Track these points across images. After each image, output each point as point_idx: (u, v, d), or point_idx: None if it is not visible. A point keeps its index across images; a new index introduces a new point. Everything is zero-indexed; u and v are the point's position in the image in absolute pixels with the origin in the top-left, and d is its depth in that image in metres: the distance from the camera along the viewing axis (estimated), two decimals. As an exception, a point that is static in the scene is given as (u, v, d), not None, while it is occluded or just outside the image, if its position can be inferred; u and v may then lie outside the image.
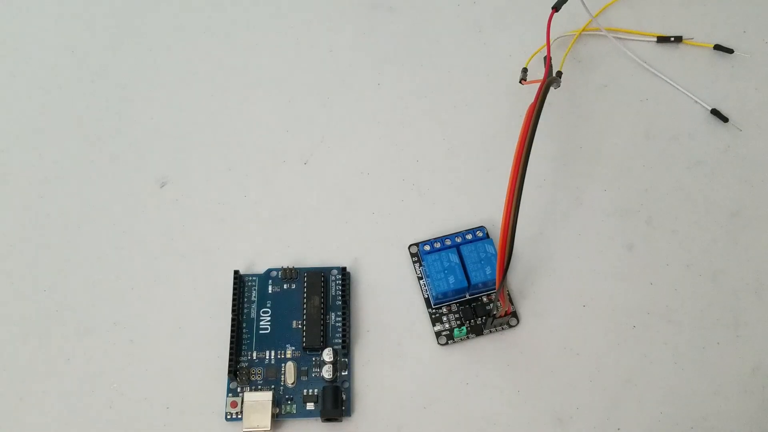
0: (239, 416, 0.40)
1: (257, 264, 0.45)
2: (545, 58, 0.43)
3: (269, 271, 0.44)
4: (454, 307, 0.43)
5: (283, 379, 0.41)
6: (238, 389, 0.41)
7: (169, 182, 0.48)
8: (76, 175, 0.48)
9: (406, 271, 0.45)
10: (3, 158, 0.48)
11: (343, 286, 0.43)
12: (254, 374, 0.41)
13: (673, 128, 0.49)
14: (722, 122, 0.49)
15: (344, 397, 0.41)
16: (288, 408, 0.41)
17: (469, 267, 0.43)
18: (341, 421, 0.41)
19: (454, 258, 0.43)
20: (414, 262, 0.45)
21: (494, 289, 0.43)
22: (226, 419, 0.40)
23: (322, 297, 0.43)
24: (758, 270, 0.45)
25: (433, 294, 0.43)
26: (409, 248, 0.45)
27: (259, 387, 0.41)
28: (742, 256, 0.45)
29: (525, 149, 0.34)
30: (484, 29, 0.53)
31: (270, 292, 0.44)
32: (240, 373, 0.41)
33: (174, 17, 0.54)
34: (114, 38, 0.53)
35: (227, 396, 0.41)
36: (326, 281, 0.44)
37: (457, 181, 0.48)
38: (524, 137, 0.34)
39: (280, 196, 0.47)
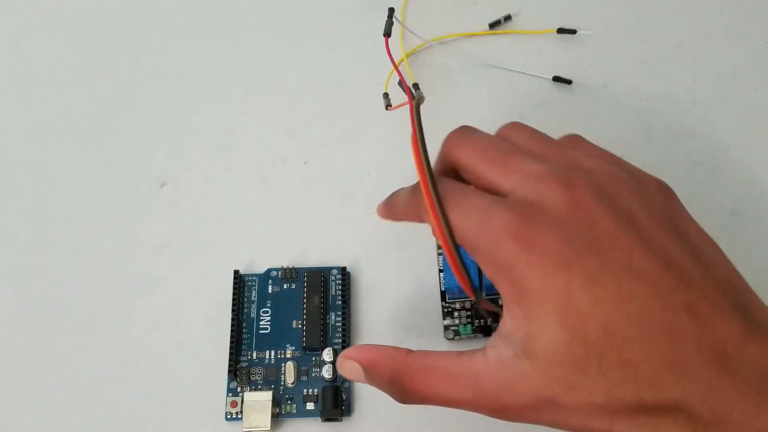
0: (239, 416, 0.40)
1: (257, 264, 0.45)
2: (399, 82, 0.45)
3: (269, 270, 0.44)
4: (467, 304, 0.43)
5: (283, 378, 0.41)
6: (238, 389, 0.41)
7: (169, 182, 0.48)
8: (77, 175, 0.48)
9: (406, 271, 0.45)
10: (3, 158, 0.48)
11: (343, 285, 0.43)
12: (254, 374, 0.41)
13: (674, 128, 0.49)
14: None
15: (344, 397, 0.41)
16: (288, 408, 0.41)
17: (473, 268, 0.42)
18: (341, 420, 0.41)
19: (469, 256, 0.42)
20: (439, 255, 0.44)
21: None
22: (226, 419, 0.40)
23: (322, 297, 0.43)
24: (758, 270, 0.45)
25: (446, 288, 0.43)
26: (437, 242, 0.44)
27: (259, 387, 0.41)
28: (742, 256, 0.45)
29: (428, 177, 0.32)
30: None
31: (270, 291, 0.44)
32: (240, 373, 0.41)
33: (174, 17, 0.54)
34: (114, 38, 0.53)
35: (227, 396, 0.41)
36: (326, 281, 0.44)
37: (457, 181, 0.48)
38: (422, 167, 0.32)
39: (280, 196, 0.47)
